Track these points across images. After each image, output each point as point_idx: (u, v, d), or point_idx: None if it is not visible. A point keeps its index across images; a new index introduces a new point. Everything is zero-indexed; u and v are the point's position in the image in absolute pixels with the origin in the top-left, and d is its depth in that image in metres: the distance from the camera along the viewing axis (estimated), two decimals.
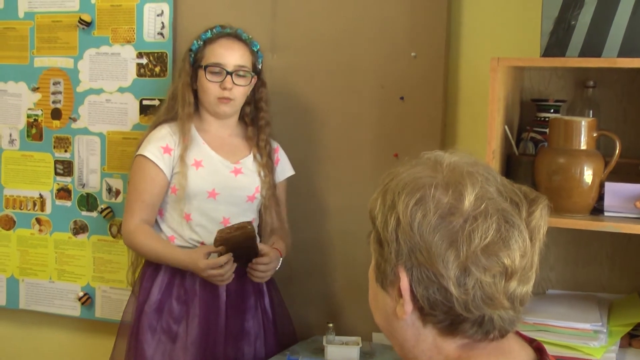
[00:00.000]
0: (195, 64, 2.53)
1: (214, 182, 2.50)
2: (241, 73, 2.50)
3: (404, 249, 1.07)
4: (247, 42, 2.54)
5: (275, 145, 2.67)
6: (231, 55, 2.49)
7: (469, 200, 1.05)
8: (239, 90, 2.51)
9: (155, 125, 2.58)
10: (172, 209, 2.54)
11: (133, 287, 2.68)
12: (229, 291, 2.52)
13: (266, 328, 2.61)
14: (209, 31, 2.52)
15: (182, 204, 2.50)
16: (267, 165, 2.59)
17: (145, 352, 2.49)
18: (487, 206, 1.06)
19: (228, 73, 2.47)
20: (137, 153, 2.54)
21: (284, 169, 2.69)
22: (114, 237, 3.07)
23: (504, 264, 1.05)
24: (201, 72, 2.50)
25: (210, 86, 2.49)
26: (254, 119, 2.62)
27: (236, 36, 2.53)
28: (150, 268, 2.57)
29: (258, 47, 2.58)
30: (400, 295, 1.09)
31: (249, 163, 2.58)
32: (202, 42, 2.51)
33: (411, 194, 1.07)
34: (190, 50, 2.54)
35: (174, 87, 2.60)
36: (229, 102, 2.50)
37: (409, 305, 1.08)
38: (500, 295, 1.05)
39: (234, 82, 2.48)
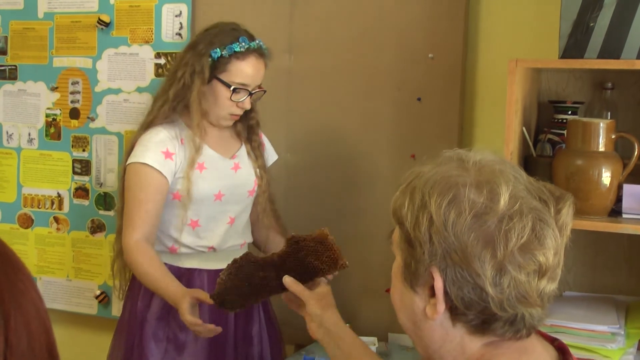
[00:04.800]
0: (214, 72, 2.34)
1: (219, 185, 2.41)
2: (257, 91, 2.42)
3: (438, 249, 1.06)
4: (267, 57, 2.42)
5: (259, 133, 2.59)
6: (257, 76, 2.38)
7: (504, 199, 1.06)
8: (250, 106, 2.42)
9: (148, 126, 2.40)
10: (172, 217, 2.40)
11: (129, 289, 2.55)
12: None
13: (270, 331, 2.56)
14: (237, 44, 2.33)
15: (186, 210, 2.38)
16: (263, 166, 2.53)
17: None
18: (521, 205, 1.06)
19: (250, 94, 2.38)
20: (135, 160, 2.35)
21: (271, 155, 2.62)
22: None
23: (539, 262, 1.05)
24: (220, 86, 2.35)
25: (228, 104, 2.36)
26: (243, 116, 2.48)
27: (262, 54, 2.39)
28: None
29: (270, 57, 2.46)
30: (432, 295, 1.09)
31: (244, 156, 2.51)
32: (227, 54, 2.33)
33: (443, 194, 1.07)
34: (210, 55, 2.34)
35: (180, 89, 2.37)
36: (238, 117, 2.43)
37: (441, 305, 1.08)
38: (534, 293, 1.06)
39: (250, 101, 2.39)
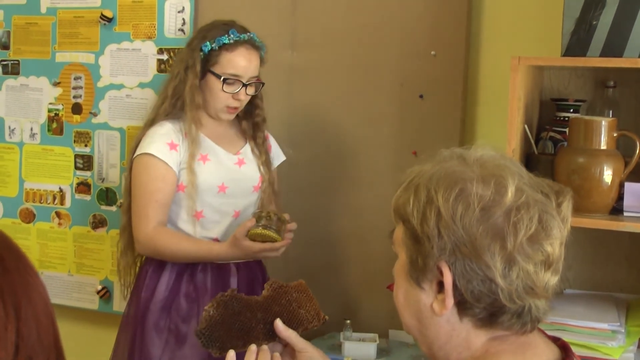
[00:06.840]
0: (206, 65, 2.44)
1: (221, 176, 2.46)
2: (253, 83, 2.47)
3: (447, 243, 1.07)
4: (260, 49, 2.48)
5: (265, 132, 2.63)
6: (249, 67, 2.43)
7: (511, 192, 1.07)
8: (247, 98, 2.48)
9: (152, 123, 2.48)
10: (178, 208, 2.46)
11: (136, 282, 2.57)
12: (239, 287, 2.45)
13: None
14: (226, 36, 2.41)
15: (191, 201, 2.43)
16: (267, 163, 2.58)
17: (150, 353, 2.41)
18: (527, 197, 1.08)
19: (244, 85, 2.43)
20: (141, 152, 2.43)
21: (277, 156, 2.67)
22: None
23: (547, 252, 1.07)
24: (212, 78, 2.43)
25: (222, 95, 2.43)
26: (248, 113, 2.57)
27: (253, 45, 2.46)
28: (153, 264, 2.49)
29: (265, 50, 2.51)
30: (439, 290, 1.09)
31: (248, 153, 2.56)
32: (216, 47, 2.42)
33: (450, 188, 1.08)
34: (201, 50, 2.43)
35: (177, 85, 2.47)
36: (237, 110, 2.48)
37: (450, 300, 1.08)
38: (541, 284, 1.08)
39: (246, 93, 2.45)
